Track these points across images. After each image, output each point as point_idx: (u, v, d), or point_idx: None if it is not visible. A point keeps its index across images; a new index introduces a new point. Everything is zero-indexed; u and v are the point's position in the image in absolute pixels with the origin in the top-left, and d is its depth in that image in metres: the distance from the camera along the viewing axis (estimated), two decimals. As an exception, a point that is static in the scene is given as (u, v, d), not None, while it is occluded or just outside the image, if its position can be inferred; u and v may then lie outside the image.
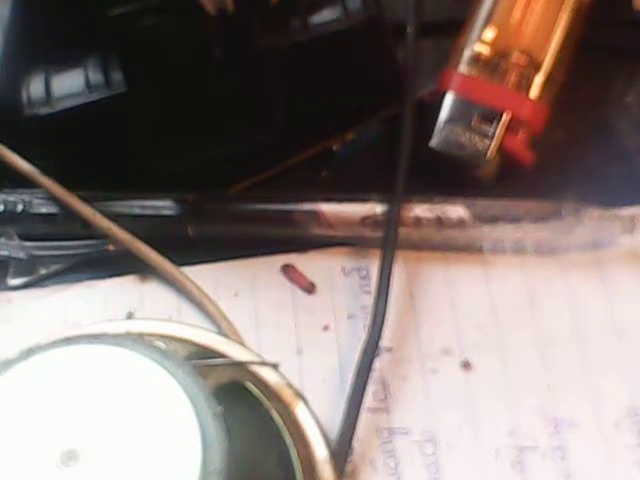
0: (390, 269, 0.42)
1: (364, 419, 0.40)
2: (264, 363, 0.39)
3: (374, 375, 0.41)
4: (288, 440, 0.37)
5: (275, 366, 0.39)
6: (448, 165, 0.44)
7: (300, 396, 0.38)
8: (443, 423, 0.40)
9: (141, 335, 0.38)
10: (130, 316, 0.43)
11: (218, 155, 0.44)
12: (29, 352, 0.33)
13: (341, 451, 0.38)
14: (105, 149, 0.44)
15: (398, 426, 0.41)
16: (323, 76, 0.44)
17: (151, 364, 0.32)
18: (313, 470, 0.37)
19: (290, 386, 0.38)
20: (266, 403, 0.37)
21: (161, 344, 0.34)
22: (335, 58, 0.44)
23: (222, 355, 0.39)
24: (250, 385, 0.38)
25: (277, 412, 0.37)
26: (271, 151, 0.45)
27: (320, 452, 0.37)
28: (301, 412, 0.38)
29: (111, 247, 0.44)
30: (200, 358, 0.37)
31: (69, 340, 0.34)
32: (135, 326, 0.40)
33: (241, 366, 0.38)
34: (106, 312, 0.44)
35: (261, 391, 0.37)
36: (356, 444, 0.40)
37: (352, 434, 0.39)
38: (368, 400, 0.41)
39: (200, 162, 0.44)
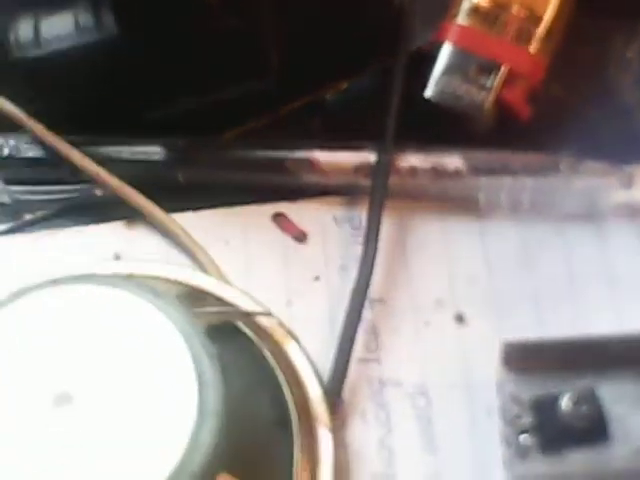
0: (379, 214, 0.41)
1: (355, 370, 0.39)
2: (257, 313, 0.38)
3: (366, 326, 0.40)
4: (281, 379, 0.36)
5: (268, 314, 0.38)
6: (445, 116, 0.44)
7: (292, 335, 0.38)
8: (435, 376, 0.40)
9: (131, 275, 0.37)
10: (118, 258, 0.42)
11: (211, 101, 0.43)
12: (16, 294, 0.33)
13: (333, 391, 0.38)
14: (95, 93, 0.43)
15: (389, 377, 0.40)
16: (318, 23, 0.43)
17: (144, 303, 0.32)
18: (307, 409, 0.36)
19: (282, 326, 0.38)
20: (258, 343, 0.37)
21: (152, 283, 0.34)
22: (331, 4, 0.43)
23: (213, 296, 0.38)
24: (242, 325, 0.37)
25: (270, 352, 0.37)
26: (264, 98, 0.44)
27: (313, 391, 0.37)
28: (293, 351, 0.37)
29: (98, 192, 0.44)
30: (190, 298, 0.36)
31: (57, 281, 0.33)
32: (124, 267, 0.39)
33: (233, 307, 0.37)
34: (92, 258, 0.43)
35: (253, 331, 0.37)
36: (347, 394, 0.39)
37: (343, 377, 0.38)
38: (359, 351, 0.40)
39: (193, 108, 0.43)
